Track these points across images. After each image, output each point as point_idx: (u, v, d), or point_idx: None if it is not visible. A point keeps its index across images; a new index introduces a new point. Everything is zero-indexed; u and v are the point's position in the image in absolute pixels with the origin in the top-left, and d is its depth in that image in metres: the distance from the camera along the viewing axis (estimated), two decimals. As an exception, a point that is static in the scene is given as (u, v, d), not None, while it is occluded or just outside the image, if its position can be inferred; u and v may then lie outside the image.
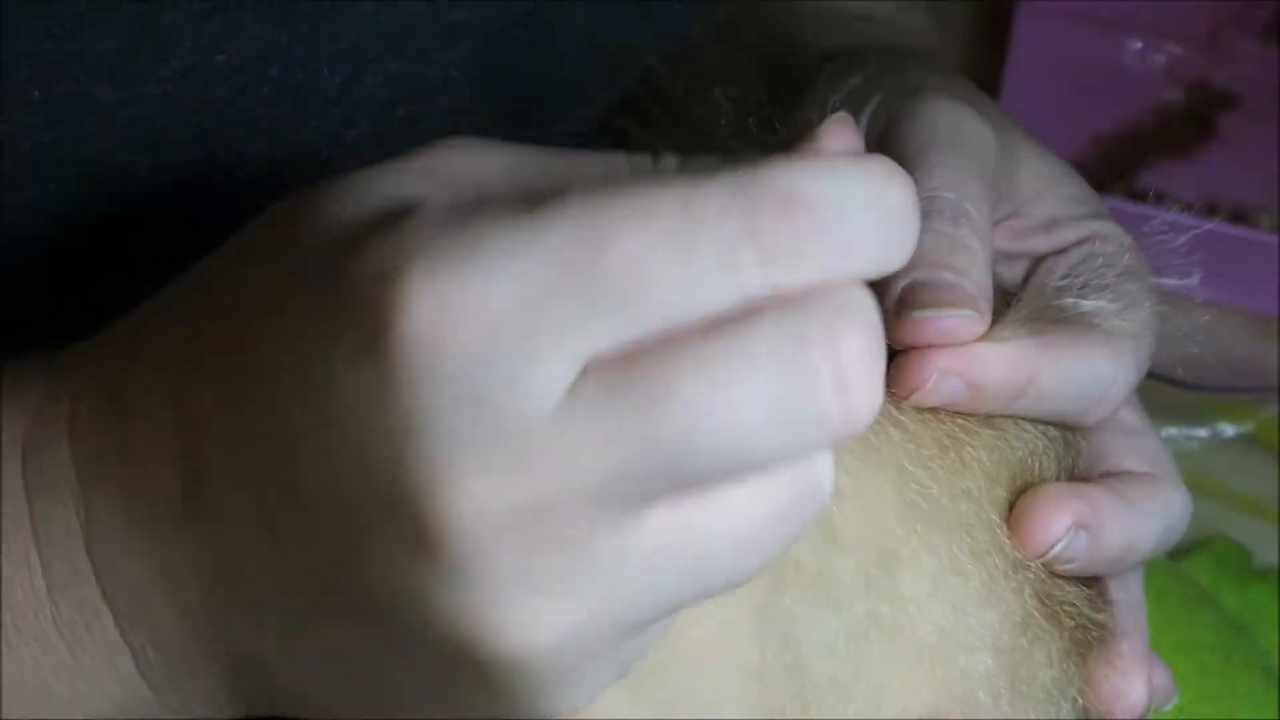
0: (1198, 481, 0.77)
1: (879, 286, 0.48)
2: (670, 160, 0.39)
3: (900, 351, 0.48)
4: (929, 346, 0.47)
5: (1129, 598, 0.52)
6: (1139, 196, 0.98)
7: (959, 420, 0.48)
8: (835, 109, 0.54)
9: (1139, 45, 1.07)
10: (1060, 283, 0.52)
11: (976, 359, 0.48)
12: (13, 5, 0.48)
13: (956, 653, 0.45)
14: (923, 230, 0.49)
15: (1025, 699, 0.46)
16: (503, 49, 0.59)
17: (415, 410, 0.33)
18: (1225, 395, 0.87)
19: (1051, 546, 0.47)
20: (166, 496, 0.39)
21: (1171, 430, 0.85)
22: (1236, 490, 0.83)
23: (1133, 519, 0.49)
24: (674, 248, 0.33)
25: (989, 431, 0.48)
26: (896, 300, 0.48)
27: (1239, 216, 0.97)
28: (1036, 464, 0.49)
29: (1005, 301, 0.50)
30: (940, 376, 0.47)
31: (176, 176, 0.48)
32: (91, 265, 0.52)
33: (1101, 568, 0.49)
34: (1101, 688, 0.49)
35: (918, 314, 0.48)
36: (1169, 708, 0.55)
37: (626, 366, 0.33)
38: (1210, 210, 0.97)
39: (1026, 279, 0.54)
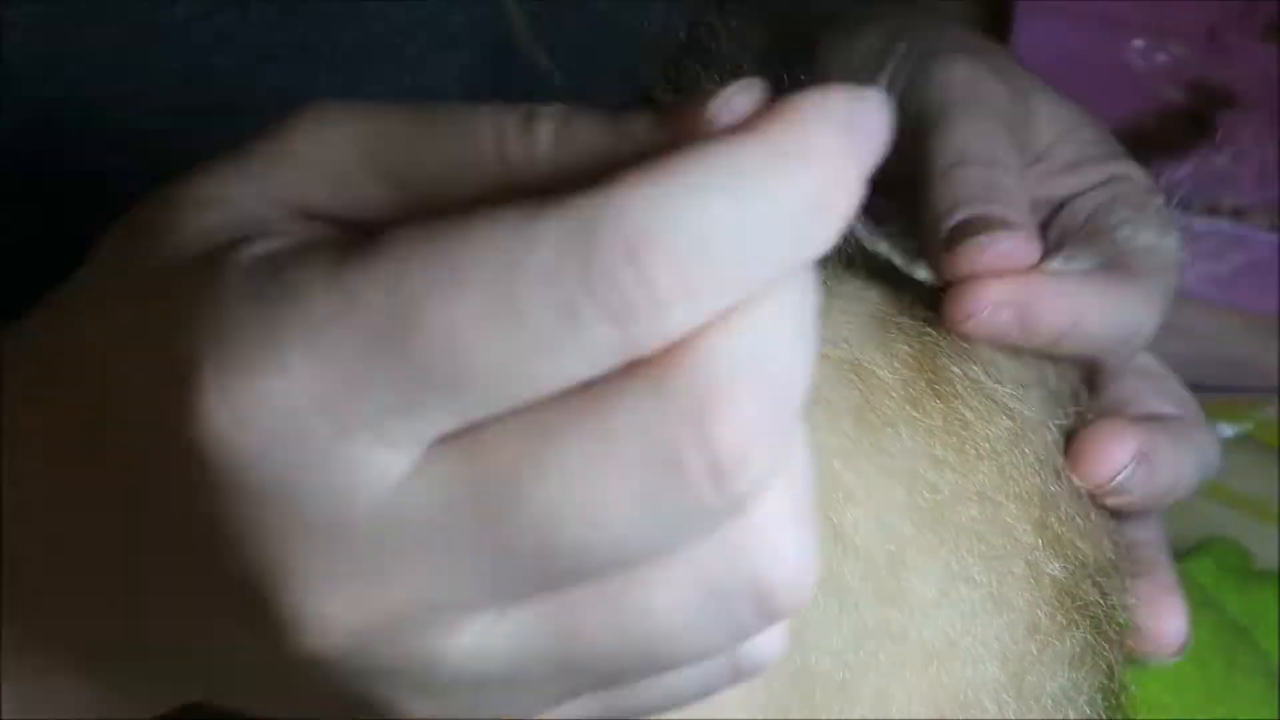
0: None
1: (926, 234, 0.50)
2: (547, 124, 0.32)
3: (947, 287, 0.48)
4: (984, 276, 0.48)
5: (1153, 537, 0.53)
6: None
7: (974, 406, 0.47)
8: (854, 70, 0.55)
9: (1139, 44, 1.07)
10: (1101, 223, 0.53)
11: (1030, 288, 0.48)
12: (15, 3, 0.48)
13: (962, 661, 0.45)
14: (962, 175, 0.50)
15: (1033, 707, 0.46)
16: (502, 56, 0.58)
17: (230, 519, 0.31)
18: (1225, 395, 0.87)
19: (1115, 476, 0.48)
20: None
21: (1171, 430, 0.85)
22: (1236, 491, 0.83)
23: (1179, 455, 0.50)
24: (497, 316, 0.29)
25: (1005, 422, 0.48)
26: (946, 237, 0.49)
27: (1239, 216, 0.97)
28: (1053, 450, 0.49)
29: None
30: (994, 309, 0.47)
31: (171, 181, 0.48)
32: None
33: (1152, 501, 0.50)
34: (1142, 627, 0.50)
35: (972, 240, 0.48)
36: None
37: (471, 455, 0.30)
38: (1210, 210, 0.97)
39: (1050, 221, 0.54)
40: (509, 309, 0.28)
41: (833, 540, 0.44)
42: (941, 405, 0.47)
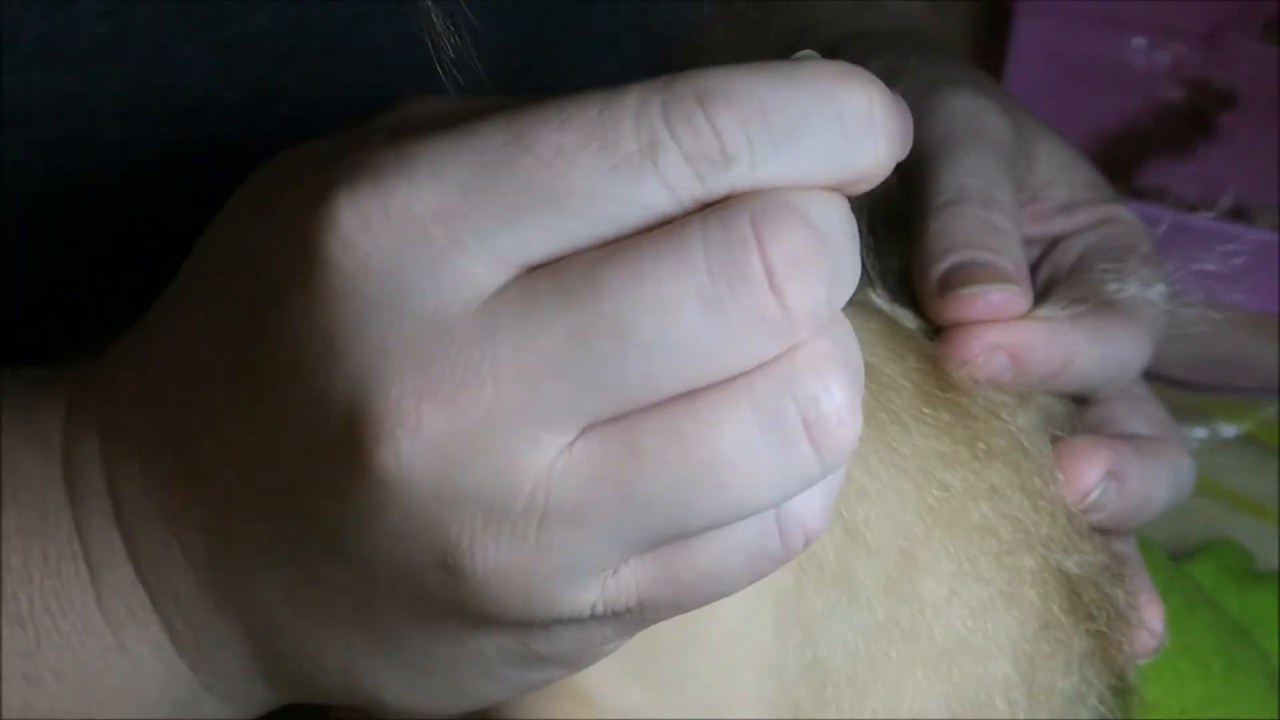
0: (1198, 482, 0.77)
1: (917, 273, 0.51)
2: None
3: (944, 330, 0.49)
4: (977, 323, 0.49)
5: (1128, 550, 0.54)
6: (1139, 194, 0.98)
7: (984, 400, 0.48)
8: None
9: (1140, 43, 1.07)
10: (1091, 267, 0.54)
11: (1022, 335, 0.49)
12: (29, 37, 0.48)
13: (974, 659, 0.45)
14: (956, 215, 0.52)
15: (1044, 705, 0.46)
16: (505, 70, 0.58)
17: (342, 323, 0.34)
18: (1225, 395, 0.87)
19: (1089, 494, 0.49)
20: (167, 465, 0.40)
21: (1171, 430, 0.85)
22: (1236, 491, 0.83)
23: (1150, 474, 0.51)
24: (594, 146, 0.33)
25: (1010, 418, 0.48)
26: (938, 282, 0.50)
27: (1239, 215, 0.97)
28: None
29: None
30: (988, 352, 0.49)
31: (183, 217, 0.49)
32: (96, 306, 0.51)
33: (1123, 518, 0.51)
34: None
35: (964, 291, 0.49)
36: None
37: (556, 270, 0.34)
38: (1210, 209, 0.97)
39: (1043, 259, 0.55)
40: (603, 139, 0.33)
41: (845, 536, 0.44)
42: (951, 403, 0.47)
